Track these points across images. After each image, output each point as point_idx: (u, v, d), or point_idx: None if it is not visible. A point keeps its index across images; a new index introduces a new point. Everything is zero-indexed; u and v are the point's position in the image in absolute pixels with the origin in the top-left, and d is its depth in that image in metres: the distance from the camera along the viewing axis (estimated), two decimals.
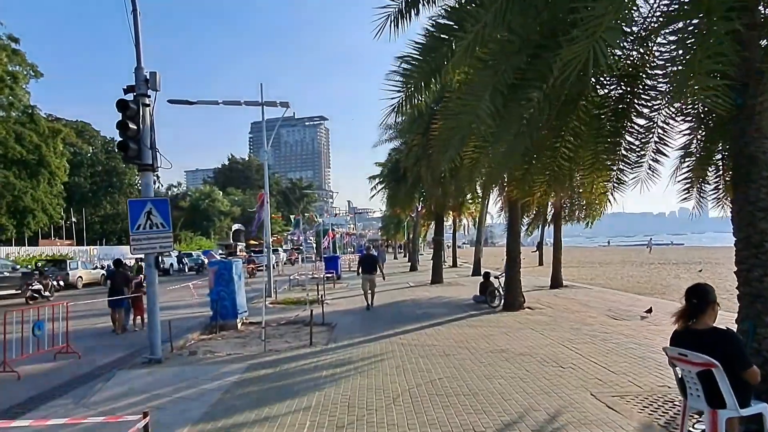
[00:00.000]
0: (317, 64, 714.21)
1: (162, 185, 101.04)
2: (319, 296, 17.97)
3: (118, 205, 70.86)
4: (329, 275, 26.68)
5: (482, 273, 17.01)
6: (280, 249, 60.10)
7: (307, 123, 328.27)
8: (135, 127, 9.69)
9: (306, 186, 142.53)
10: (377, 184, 53.98)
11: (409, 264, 38.39)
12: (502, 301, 15.34)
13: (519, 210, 15.02)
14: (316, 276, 27.85)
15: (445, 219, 27.24)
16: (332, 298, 20.23)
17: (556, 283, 20.84)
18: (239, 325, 14.49)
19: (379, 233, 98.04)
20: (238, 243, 62.39)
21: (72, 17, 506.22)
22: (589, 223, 22.22)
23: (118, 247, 56.34)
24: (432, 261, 26.42)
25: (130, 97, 9.91)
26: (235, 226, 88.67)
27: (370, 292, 16.85)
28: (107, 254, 50.46)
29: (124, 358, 11.23)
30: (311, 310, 12.23)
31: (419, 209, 31.98)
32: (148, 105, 10.03)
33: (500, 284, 15.78)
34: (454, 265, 39.76)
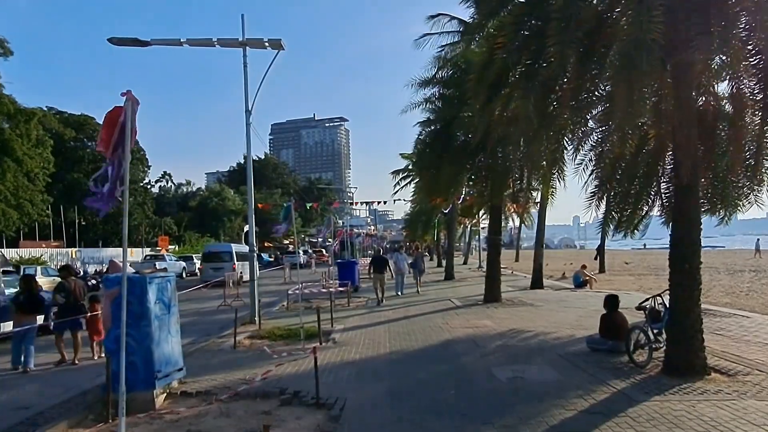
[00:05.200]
0: (338, 67, 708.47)
1: (174, 184, 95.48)
2: (320, 335, 10.92)
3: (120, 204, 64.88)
4: (342, 288, 19.69)
5: (606, 296, 9.70)
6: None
7: (327, 124, 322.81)
8: None
9: (324, 185, 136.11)
10: (402, 178, 47.35)
11: (444, 271, 31.13)
12: (652, 352, 8.19)
13: (697, 186, 7.73)
14: (326, 287, 20.91)
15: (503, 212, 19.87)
16: (344, 327, 13.23)
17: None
18: (159, 399, 7.56)
19: (402, 234, 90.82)
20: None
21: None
22: (726, 220, 14.80)
23: (110, 249, 50.21)
24: (485, 270, 19.30)
25: None
26: (247, 227, 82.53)
27: (380, 289, 18.24)
28: (93, 257, 44.22)
29: None
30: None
31: (458, 201, 24.78)
32: None
33: (646, 321, 8.59)
34: None
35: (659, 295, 8.92)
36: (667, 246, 8.01)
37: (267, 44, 14.85)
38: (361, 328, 13.16)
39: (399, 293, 19.99)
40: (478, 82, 8.05)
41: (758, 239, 51.80)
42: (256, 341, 12.08)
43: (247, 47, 15.06)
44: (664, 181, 14.54)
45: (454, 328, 12.44)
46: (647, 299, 9.02)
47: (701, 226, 7.74)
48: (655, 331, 8.46)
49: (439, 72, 18.53)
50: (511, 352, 9.68)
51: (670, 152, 13.93)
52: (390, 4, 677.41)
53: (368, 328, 13.14)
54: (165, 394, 7.74)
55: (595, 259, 33.39)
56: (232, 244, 33.61)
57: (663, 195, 14.85)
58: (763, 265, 34.94)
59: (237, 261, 29.50)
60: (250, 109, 15.22)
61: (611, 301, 9.42)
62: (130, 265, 39.05)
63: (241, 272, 27.99)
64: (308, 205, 34.69)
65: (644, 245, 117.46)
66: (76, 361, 10.57)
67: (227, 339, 12.13)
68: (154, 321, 7.61)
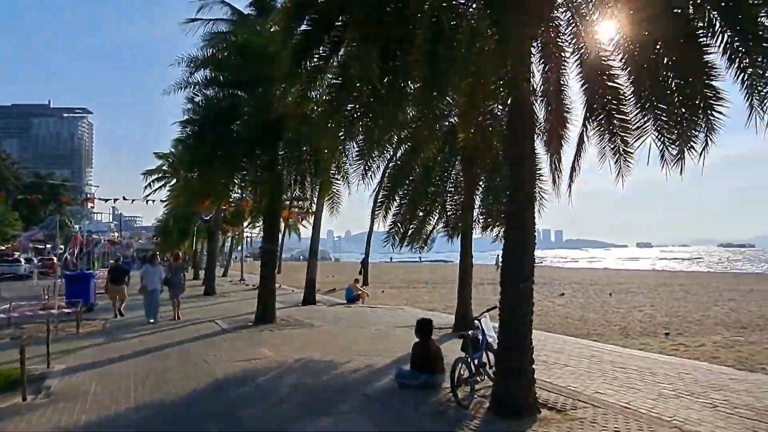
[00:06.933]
0: (83, 54, 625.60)
1: None
2: (24, 384, 7.36)
3: None
4: (70, 309, 15.26)
5: (418, 321, 8.09)
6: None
7: (65, 114, 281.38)
8: None
9: (59, 183, 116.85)
10: (156, 179, 42.08)
11: (203, 285, 27.53)
12: (474, 387, 6.98)
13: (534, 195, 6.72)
14: (45, 308, 16.12)
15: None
16: (67, 366, 9.56)
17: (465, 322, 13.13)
18: None
19: (153, 242, 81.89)
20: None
21: None
22: (500, 237, 15.11)
23: None
24: (256, 284, 16.89)
25: None
26: None
27: (118, 300, 17.22)
28: None
29: None
30: None
31: (228, 206, 21.93)
32: None
33: (468, 348, 7.33)
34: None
35: (476, 318, 7.83)
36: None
37: None
38: (95, 368, 9.66)
39: (152, 320, 15.37)
40: (284, 33, 5.82)
41: (498, 254, 57.87)
42: None
43: None
44: (449, 192, 14.18)
45: (225, 363, 9.81)
46: (482, 314, 7.87)
47: (536, 241, 6.75)
48: (476, 362, 7.26)
49: (217, 53, 15.68)
50: (305, 395, 7.58)
51: (459, 162, 13.55)
52: None
53: (105, 367, 9.71)
54: None
55: (360, 273, 33.45)
56: None
57: (449, 209, 14.52)
58: (590, 280, 37.43)
59: None
60: None
61: (424, 327, 7.95)
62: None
63: None
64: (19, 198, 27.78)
65: (391, 259, 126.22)
66: None
67: None
68: None
